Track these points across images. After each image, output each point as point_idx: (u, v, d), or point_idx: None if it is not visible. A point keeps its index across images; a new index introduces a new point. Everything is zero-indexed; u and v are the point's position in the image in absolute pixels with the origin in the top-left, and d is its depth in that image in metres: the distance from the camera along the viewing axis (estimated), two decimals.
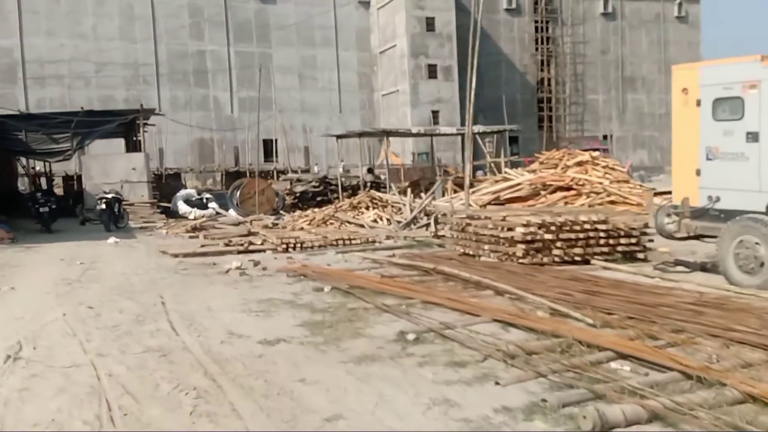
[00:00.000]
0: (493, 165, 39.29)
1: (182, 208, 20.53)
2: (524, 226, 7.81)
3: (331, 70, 50.04)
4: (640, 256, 8.25)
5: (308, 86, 48.95)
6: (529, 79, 53.93)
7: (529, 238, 7.76)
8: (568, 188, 13.62)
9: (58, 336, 5.50)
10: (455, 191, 18.54)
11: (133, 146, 26.94)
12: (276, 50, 48.59)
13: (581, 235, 7.89)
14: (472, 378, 4.00)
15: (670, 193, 8.24)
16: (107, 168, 19.60)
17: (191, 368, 4.43)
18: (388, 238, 11.76)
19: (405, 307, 5.95)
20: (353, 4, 50.07)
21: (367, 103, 51.45)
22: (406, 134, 20.74)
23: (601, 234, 7.98)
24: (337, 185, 22.42)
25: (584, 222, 7.89)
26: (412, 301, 6.13)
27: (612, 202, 12.98)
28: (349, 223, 14.38)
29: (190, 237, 14.04)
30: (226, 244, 11.12)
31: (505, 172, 15.59)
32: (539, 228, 7.78)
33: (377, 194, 15.55)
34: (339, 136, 23.39)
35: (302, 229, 14.81)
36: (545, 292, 5.92)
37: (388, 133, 18.13)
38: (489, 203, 13.81)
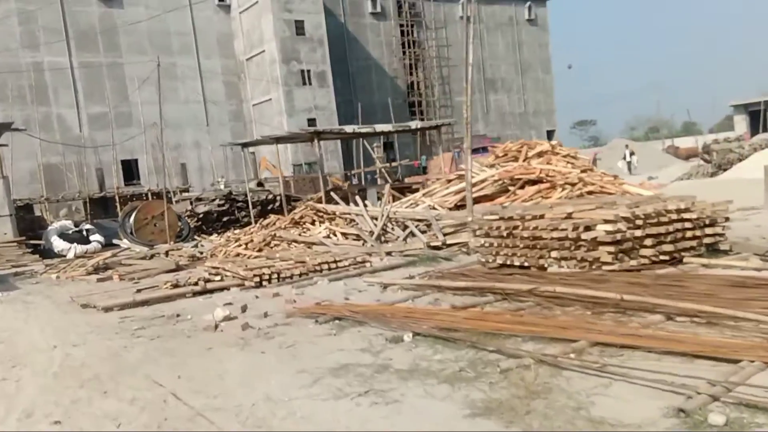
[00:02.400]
0: (383, 170, 38.22)
1: (59, 244, 16.69)
2: (608, 222, 6.24)
3: (193, 79, 46.10)
4: (723, 247, 7.04)
5: (169, 98, 44.55)
6: (399, 83, 53.76)
7: (617, 237, 6.20)
8: (538, 181, 12.42)
9: None
10: (394, 197, 16.77)
11: None
12: (128, 59, 43.74)
13: (670, 228, 6.48)
14: None
15: None
16: None
17: None
18: (369, 256, 9.66)
19: (575, 355, 4.06)
20: (212, 9, 46.58)
21: (237, 114, 48.12)
22: (344, 135, 18.56)
23: (687, 225, 6.64)
24: (243, 203, 19.69)
25: (673, 211, 6.49)
26: (575, 344, 4.24)
27: (590, 193, 11.98)
28: (298, 242, 12.05)
29: (99, 280, 10.88)
30: (174, 285, 8.38)
31: (459, 168, 14.08)
32: (626, 223, 6.25)
33: (320, 206, 13.32)
34: (245, 144, 20.57)
35: (238, 255, 12.21)
36: (739, 308, 4.36)
37: (320, 134, 15.83)
38: (456, 205, 12.20)
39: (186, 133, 45.55)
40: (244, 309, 6.77)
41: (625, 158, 34.63)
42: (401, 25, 53.23)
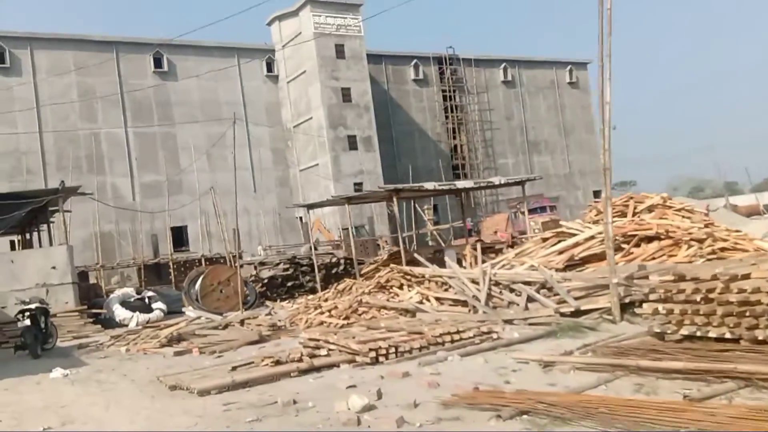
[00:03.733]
0: (435, 233, 37.09)
1: (121, 313, 15.85)
2: None
3: (241, 147, 46.43)
4: None
5: (218, 166, 44.87)
6: (442, 147, 53.42)
7: None
8: (655, 238, 11.11)
9: None
10: (475, 258, 15.54)
11: (28, 243, 21.79)
12: (180, 129, 44.43)
13: None
14: None
15: None
16: (15, 269, 14.62)
17: None
18: (485, 324, 8.38)
19: None
20: (260, 79, 47.42)
21: (283, 180, 48.10)
22: (423, 192, 17.57)
23: None
24: (307, 266, 18.71)
25: None
26: None
27: (722, 250, 10.62)
28: (388, 309, 10.87)
29: (176, 353, 9.81)
30: (276, 362, 7.23)
31: (560, 225, 12.85)
32: None
33: (408, 269, 12.17)
34: (310, 206, 19.74)
35: (323, 323, 11.06)
36: None
37: (399, 192, 14.76)
38: (566, 266, 10.90)
39: (234, 199, 45.44)
40: (379, 395, 5.55)
41: None
42: (443, 91, 53.42)
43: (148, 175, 42.25)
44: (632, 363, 5.30)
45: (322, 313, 11.39)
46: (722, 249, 10.52)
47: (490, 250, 15.84)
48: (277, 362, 7.27)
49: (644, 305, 6.46)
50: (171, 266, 28.01)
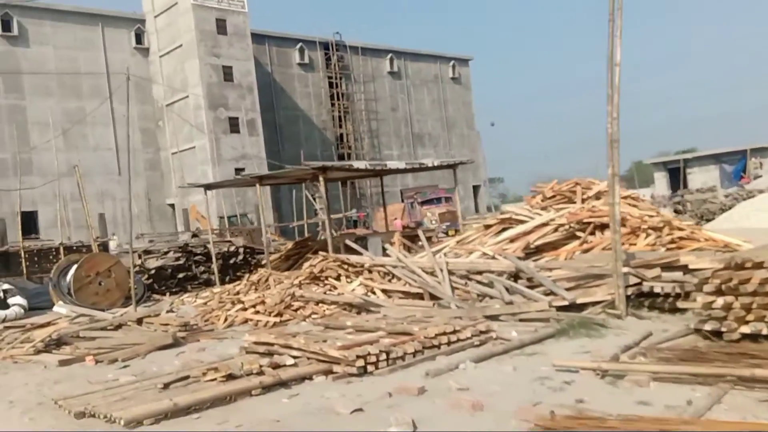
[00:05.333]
0: (326, 223, 35.40)
1: None
2: None
3: (105, 125, 41.70)
4: None
5: (76, 145, 39.91)
6: (327, 135, 51.85)
7: None
8: (607, 226, 10.46)
9: None
10: (407, 247, 14.26)
11: None
12: (31, 101, 38.91)
13: None
14: None
15: None
16: None
17: None
18: (475, 322, 7.05)
19: None
20: (128, 51, 42.86)
21: (153, 163, 43.94)
22: (353, 173, 15.77)
23: None
24: (201, 255, 16.40)
25: None
26: None
27: (681, 239, 10.17)
28: (328, 303, 9.24)
29: (62, 363, 7.46)
30: (229, 376, 5.37)
31: (504, 211, 11.85)
32: None
33: (344, 257, 10.57)
34: (208, 186, 17.31)
35: (247, 321, 9.17)
36: None
37: (326, 170, 12.84)
38: (526, 254, 9.88)
39: (95, 182, 40.61)
40: (414, 426, 4.00)
41: None
42: (329, 77, 51.81)
43: None
44: (731, 372, 4.21)
45: (244, 309, 9.47)
46: (680, 238, 10.07)
47: (417, 239, 14.64)
48: (230, 376, 5.41)
49: (697, 298, 5.49)
50: (22, 255, 23.86)
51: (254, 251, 17.65)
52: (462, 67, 62.87)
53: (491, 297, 8.10)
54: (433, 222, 28.57)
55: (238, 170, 41.44)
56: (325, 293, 9.68)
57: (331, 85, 51.93)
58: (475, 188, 62.03)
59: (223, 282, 15.69)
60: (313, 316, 8.89)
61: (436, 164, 13.45)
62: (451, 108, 61.97)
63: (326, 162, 13.18)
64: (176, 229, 41.89)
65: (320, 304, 9.28)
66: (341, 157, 52.56)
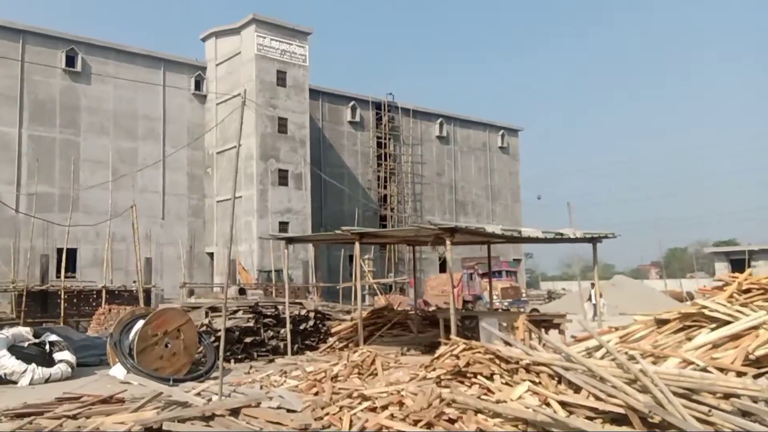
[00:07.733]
0: (376, 287, 33.64)
1: (7, 363, 11.12)
2: None
3: (154, 167, 41.15)
4: None
5: (126, 186, 39.23)
6: (371, 195, 50.81)
7: None
8: None
9: None
10: (533, 333, 12.31)
11: None
12: (85, 138, 38.68)
13: None
14: None
15: None
16: None
17: None
18: None
19: None
20: (186, 96, 42.83)
21: (197, 209, 43.09)
22: (482, 236, 14.15)
23: None
24: (272, 319, 14.74)
25: None
26: None
27: None
28: (489, 415, 7.21)
29: None
30: None
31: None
32: None
33: (495, 349, 8.60)
34: (290, 240, 15.82)
35: (382, 429, 7.25)
36: None
37: (454, 232, 11.07)
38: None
39: (140, 226, 39.72)
40: None
41: (590, 299, 25.60)
42: (378, 137, 51.26)
43: (38, 186, 35.89)
44: None
45: (373, 408, 7.55)
46: None
47: (545, 324, 12.78)
48: None
49: None
50: (61, 296, 22.55)
51: (324, 317, 16.00)
52: (511, 137, 62.08)
53: None
54: (496, 296, 26.63)
55: (282, 224, 40.36)
56: (479, 397, 7.59)
57: (379, 145, 51.36)
58: (516, 261, 59.97)
59: (293, 352, 14.04)
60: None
61: (578, 236, 11.69)
62: (497, 177, 60.81)
63: (448, 222, 11.59)
64: (212, 280, 40.57)
65: (478, 414, 7.17)
66: (383, 219, 51.35)
